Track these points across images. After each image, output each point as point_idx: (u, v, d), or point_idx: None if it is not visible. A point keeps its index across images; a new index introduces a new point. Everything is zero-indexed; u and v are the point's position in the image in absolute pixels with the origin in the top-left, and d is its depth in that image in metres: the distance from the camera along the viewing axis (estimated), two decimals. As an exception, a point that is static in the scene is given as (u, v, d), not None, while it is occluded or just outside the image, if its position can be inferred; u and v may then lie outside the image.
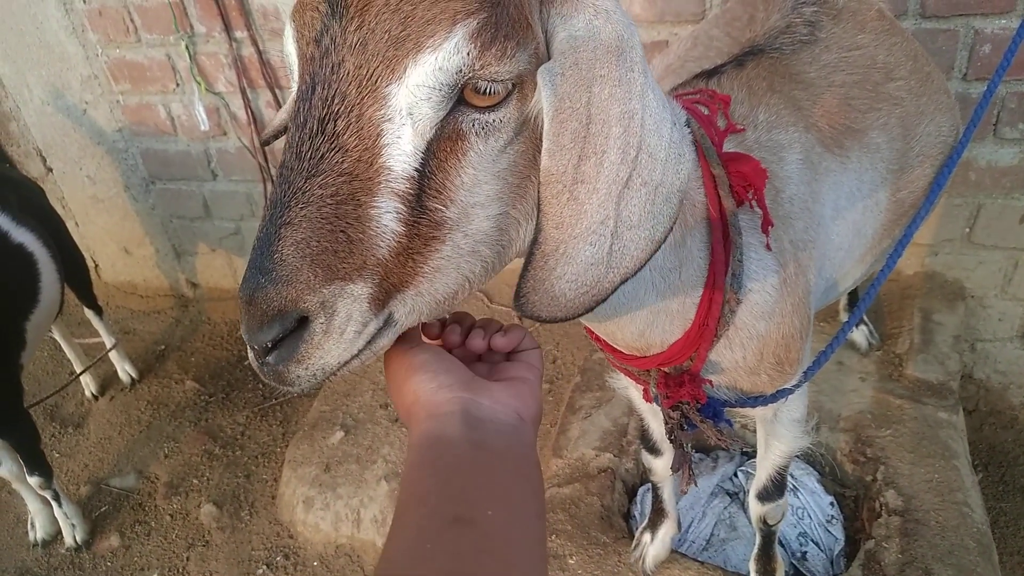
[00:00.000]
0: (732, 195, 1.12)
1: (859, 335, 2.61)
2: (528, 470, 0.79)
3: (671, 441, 1.33)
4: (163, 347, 3.89)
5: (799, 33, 1.48)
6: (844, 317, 2.67)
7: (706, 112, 1.23)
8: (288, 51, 0.83)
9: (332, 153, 0.75)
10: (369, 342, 0.81)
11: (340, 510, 2.69)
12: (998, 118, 2.42)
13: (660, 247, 0.83)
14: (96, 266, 4.15)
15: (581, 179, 0.79)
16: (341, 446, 2.86)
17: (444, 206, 0.79)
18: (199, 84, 3.17)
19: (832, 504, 2.24)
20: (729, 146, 1.21)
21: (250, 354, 0.80)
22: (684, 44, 1.74)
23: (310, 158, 0.75)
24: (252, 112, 3.17)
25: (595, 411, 2.56)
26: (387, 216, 0.77)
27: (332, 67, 0.75)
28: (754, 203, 1.15)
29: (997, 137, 2.45)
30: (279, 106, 3.13)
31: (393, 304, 0.81)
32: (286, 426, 3.32)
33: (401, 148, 0.76)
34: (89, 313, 3.45)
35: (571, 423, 2.54)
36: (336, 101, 0.75)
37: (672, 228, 0.83)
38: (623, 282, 0.81)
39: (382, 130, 0.76)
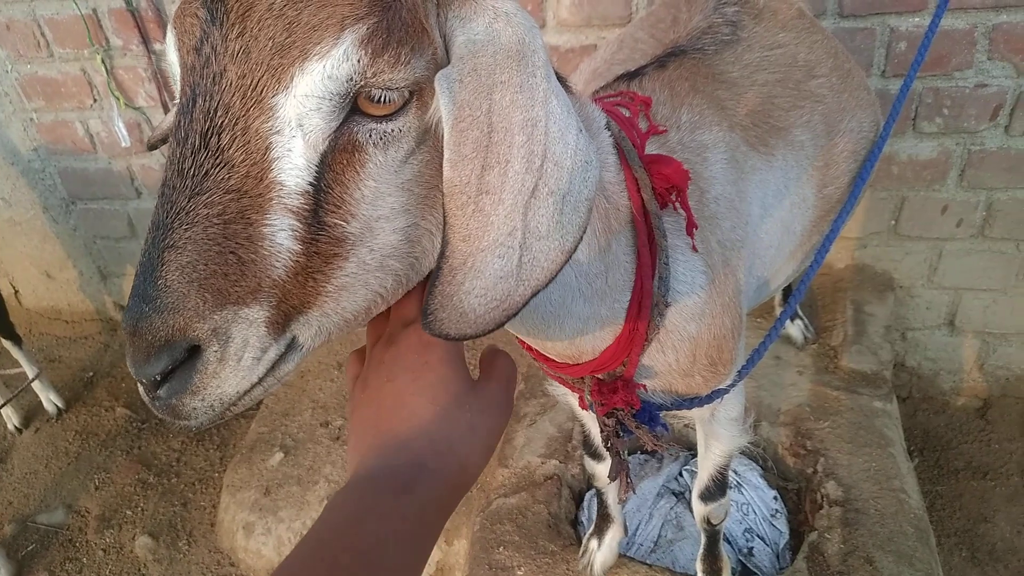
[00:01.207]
0: (655, 198, 1.11)
1: (795, 329, 2.65)
2: (433, 536, 0.78)
3: (607, 449, 1.31)
4: (91, 374, 3.73)
5: (721, 33, 1.49)
6: (779, 312, 2.71)
7: (627, 114, 1.22)
8: (171, 60, 0.78)
9: (217, 169, 0.70)
10: (271, 368, 0.76)
11: (282, 534, 2.61)
12: (916, 113, 2.49)
13: (570, 257, 0.80)
14: (16, 292, 3.96)
15: (486, 190, 0.75)
16: (281, 468, 2.77)
17: (345, 221, 0.75)
18: (118, 99, 3.05)
19: (776, 498, 2.26)
20: (652, 148, 1.20)
21: (140, 389, 0.75)
22: (610, 47, 1.73)
23: (193, 175, 0.70)
24: (175, 126, 3.05)
25: (540, 418, 2.54)
26: (281, 234, 0.72)
27: (213, 77, 0.70)
28: (678, 205, 1.14)
29: (916, 132, 2.52)
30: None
31: (296, 327, 0.77)
32: (223, 450, 3.21)
33: (293, 162, 0.72)
34: (7, 344, 3.28)
35: (516, 431, 2.51)
36: (219, 113, 0.70)
37: (582, 237, 0.80)
38: (534, 295, 0.78)
39: (271, 143, 0.71)
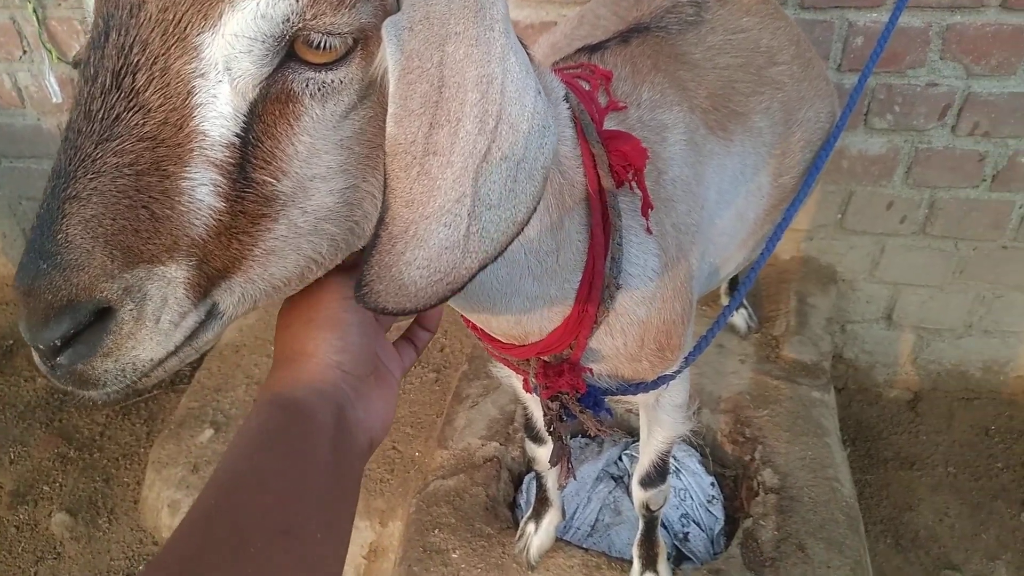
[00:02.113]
0: (612, 175, 1.06)
1: (739, 318, 2.67)
2: (354, 499, 0.76)
3: (550, 433, 1.28)
4: (11, 342, 3.53)
5: (685, 13, 1.45)
6: (725, 301, 2.72)
7: (587, 87, 1.17)
8: None
9: (130, 113, 0.62)
10: (189, 337, 0.69)
11: (211, 512, 2.51)
12: (868, 109, 2.51)
13: (521, 230, 0.74)
14: (-69, 252, 3.72)
15: (433, 150, 0.69)
16: (211, 445, 2.67)
17: (275, 179, 0.68)
18: (50, 52, 2.86)
19: (713, 484, 2.28)
20: (610, 124, 1.16)
21: (35, 357, 0.67)
22: (570, 23, 1.68)
23: (102, 119, 0.62)
24: (108, 81, 2.89)
25: (482, 399, 2.50)
26: (202, 189, 0.65)
27: (130, 9, 0.62)
28: (634, 184, 1.10)
29: (867, 127, 2.55)
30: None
31: (217, 293, 0.70)
32: (151, 425, 3.08)
33: (218, 109, 0.65)
34: (-81, 306, 3.09)
35: (457, 412, 2.46)
36: (135, 51, 0.62)
37: (535, 209, 0.75)
38: (481, 268, 0.72)
39: (193, 87, 0.64)
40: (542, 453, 1.81)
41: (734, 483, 2.31)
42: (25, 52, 2.92)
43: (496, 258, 0.74)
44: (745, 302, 2.70)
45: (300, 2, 0.63)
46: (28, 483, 2.87)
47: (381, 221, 0.71)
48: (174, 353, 0.70)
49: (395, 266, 0.70)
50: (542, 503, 1.92)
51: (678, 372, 1.35)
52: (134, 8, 0.62)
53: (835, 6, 2.34)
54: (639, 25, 1.42)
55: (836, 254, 2.85)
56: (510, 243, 0.74)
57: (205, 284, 0.68)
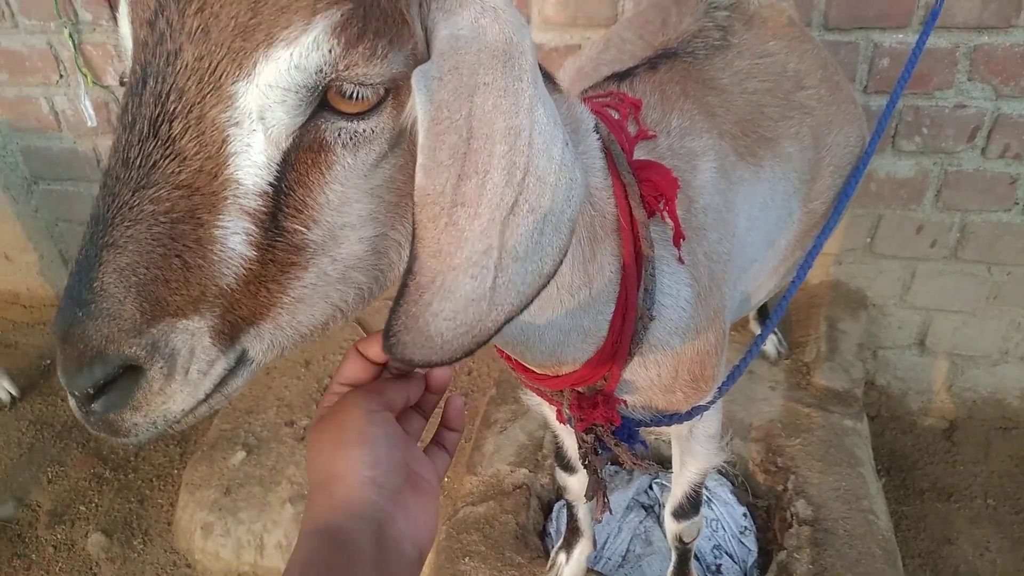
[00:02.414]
0: (643, 206, 1.06)
1: (769, 344, 2.64)
2: None
3: (584, 467, 1.27)
4: (48, 361, 3.60)
5: (712, 38, 1.45)
6: (754, 326, 2.69)
7: (616, 116, 1.18)
8: (123, 32, 0.70)
9: (167, 161, 0.63)
10: (219, 384, 0.70)
11: (242, 536, 2.53)
12: (896, 131, 2.49)
13: (548, 282, 0.74)
14: (-29, 274, 3.82)
15: (461, 201, 0.69)
16: (243, 467, 2.69)
17: (306, 227, 0.69)
18: (85, 76, 2.94)
19: (745, 515, 2.24)
20: (641, 153, 1.16)
21: (71, 402, 0.68)
22: (596, 47, 1.69)
23: (140, 166, 0.64)
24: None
25: (511, 424, 2.49)
26: (234, 238, 0.66)
27: (167, 57, 0.63)
28: (666, 215, 1.10)
29: (895, 150, 2.52)
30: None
31: (246, 340, 0.70)
32: (184, 446, 3.11)
33: (252, 158, 0.65)
34: (-40, 327, 3.16)
35: (486, 438, 2.46)
36: (172, 99, 0.63)
37: (562, 261, 0.75)
38: (507, 321, 0.72)
39: (228, 136, 0.64)
40: (573, 482, 1.79)
41: (767, 514, 2.27)
42: (61, 76, 3.01)
43: (523, 310, 0.73)
44: (775, 328, 2.67)
45: (333, 53, 0.63)
46: (65, 503, 2.91)
47: (409, 271, 0.71)
48: (204, 401, 0.70)
49: (422, 317, 0.70)
50: (573, 533, 1.91)
51: (712, 402, 1.34)
52: (171, 56, 0.63)
53: (860, 27, 2.33)
54: (667, 51, 1.43)
55: (866, 278, 2.81)
56: (537, 295, 0.74)
57: (231, 331, 0.69)
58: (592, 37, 2.44)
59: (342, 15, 0.63)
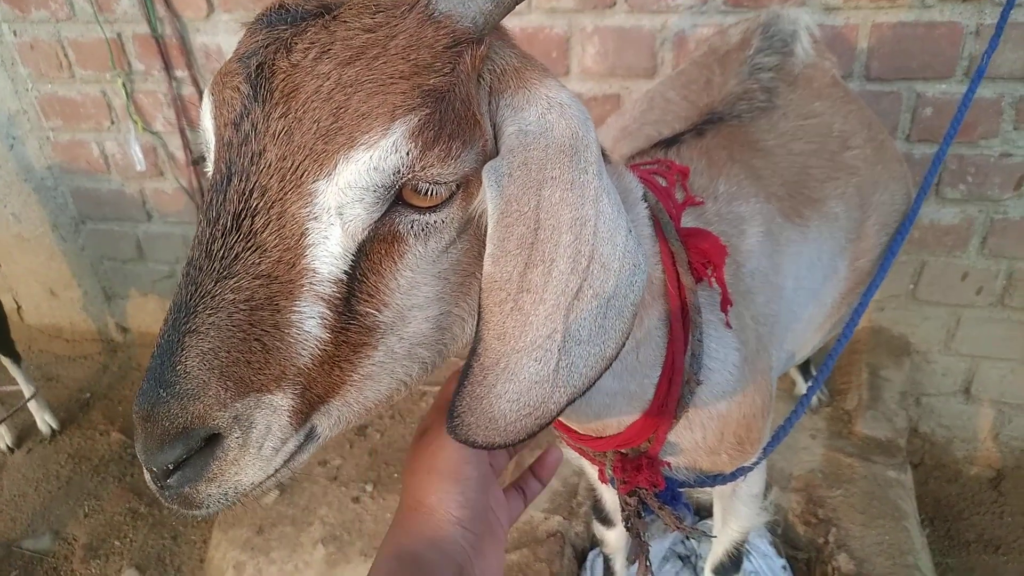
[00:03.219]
0: (691, 272, 1.07)
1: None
2: None
3: (627, 529, 1.26)
4: (88, 395, 3.67)
5: (757, 99, 1.46)
6: (795, 376, 2.66)
7: (664, 184, 1.19)
8: (205, 127, 0.74)
9: (248, 253, 0.66)
10: (287, 460, 0.72)
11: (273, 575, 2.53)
12: (940, 179, 2.47)
13: (611, 364, 0.75)
14: (19, 308, 3.92)
15: (527, 288, 0.71)
16: (275, 506, 2.71)
17: (377, 310, 0.72)
18: (136, 122, 3.04)
19: (785, 568, 2.19)
20: (688, 219, 1.17)
21: (147, 476, 0.70)
22: (639, 105, 1.71)
23: (222, 257, 0.67)
24: (191, 152, 3.04)
25: (545, 470, 2.47)
26: (310, 322, 0.68)
27: (252, 156, 0.67)
28: (713, 281, 1.10)
29: (939, 197, 2.50)
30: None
31: (316, 416, 0.72)
32: (219, 482, 3.14)
33: (328, 250, 0.68)
34: (6, 361, 3.23)
35: (520, 483, 2.44)
36: (255, 195, 0.67)
37: (624, 344, 0.76)
38: (569, 403, 0.73)
39: (307, 229, 0.67)
40: (611, 536, 1.78)
41: (807, 567, 2.22)
42: (113, 123, 3.11)
43: (585, 392, 0.74)
44: (815, 374, 2.64)
45: (411, 155, 0.66)
46: (100, 537, 2.95)
47: (474, 352, 0.73)
48: (272, 476, 0.72)
49: (486, 398, 0.72)
50: (609, 585, 1.89)
51: (756, 464, 1.32)
52: (255, 156, 0.67)
53: (903, 78, 2.33)
54: (713, 114, 1.44)
55: (909, 325, 2.77)
56: (599, 377, 0.75)
57: (306, 410, 0.71)
58: (630, 87, 2.47)
59: (419, 120, 0.66)
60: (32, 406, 3.36)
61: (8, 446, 3.35)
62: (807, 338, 1.53)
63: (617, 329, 0.74)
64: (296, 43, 0.68)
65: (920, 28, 2.23)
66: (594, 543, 2.29)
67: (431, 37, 0.68)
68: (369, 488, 2.73)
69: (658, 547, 2.23)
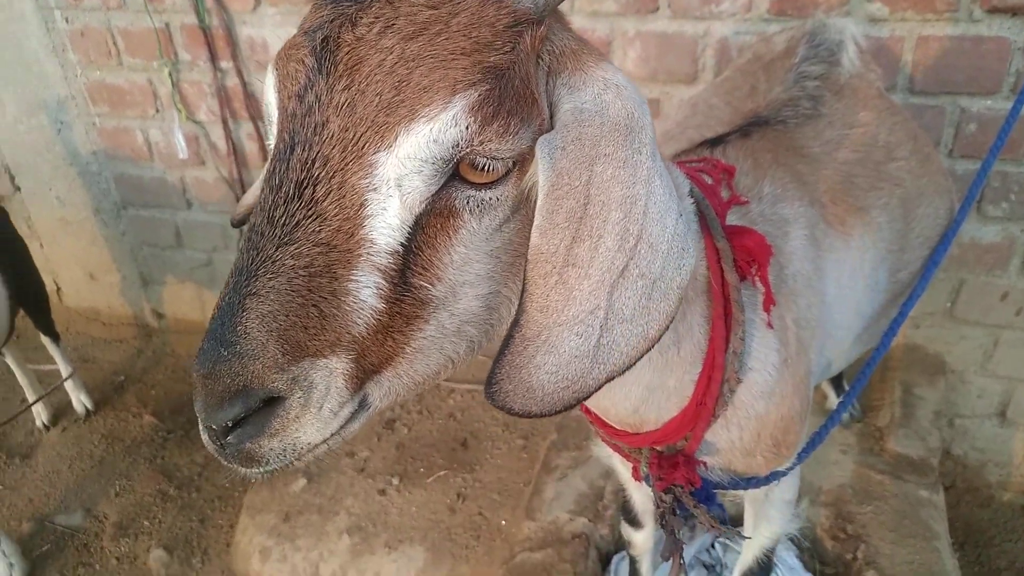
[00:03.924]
0: (735, 270, 1.07)
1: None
2: None
3: (662, 527, 1.26)
4: (122, 378, 3.74)
5: (803, 107, 1.46)
6: (827, 391, 2.64)
7: (710, 181, 1.19)
8: (268, 101, 0.76)
9: (308, 221, 0.69)
10: (343, 425, 0.74)
11: (298, 563, 2.56)
12: (982, 196, 2.44)
13: (653, 346, 0.76)
14: (59, 290, 4.01)
15: (573, 262, 0.72)
16: (303, 495, 2.74)
17: (431, 284, 0.73)
18: (180, 111, 3.10)
19: (810, 581, 2.18)
20: (733, 218, 1.18)
21: (204, 435, 0.72)
22: (683, 111, 1.71)
23: (283, 224, 0.69)
24: (233, 142, 3.10)
25: (571, 472, 2.48)
26: (366, 291, 0.70)
27: (315, 127, 0.69)
28: (757, 279, 1.11)
29: (981, 215, 2.47)
30: (260, 138, 3.06)
31: (369, 386, 0.74)
32: (246, 469, 3.18)
33: (386, 221, 0.70)
34: (45, 340, 3.31)
35: (546, 483, 2.45)
36: (317, 165, 0.69)
37: (668, 327, 0.76)
38: (608, 380, 0.74)
39: (366, 200, 0.69)
40: (639, 538, 1.78)
41: (833, 581, 2.20)
42: (157, 111, 3.18)
43: (624, 371, 0.75)
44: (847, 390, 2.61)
45: (469, 130, 0.68)
46: (130, 516, 3.00)
47: (516, 323, 0.74)
48: (329, 438, 0.74)
49: (525, 368, 0.73)
50: (634, 587, 1.88)
51: (791, 468, 1.32)
52: (318, 127, 0.69)
53: (947, 92, 2.31)
54: (758, 117, 1.44)
55: (945, 343, 2.73)
56: (640, 357, 0.75)
57: (361, 377, 0.73)
58: (671, 92, 2.47)
59: (479, 95, 0.67)
60: (68, 386, 3.43)
61: (44, 424, 3.43)
62: (845, 347, 1.52)
63: (661, 311, 0.75)
64: (361, 17, 0.70)
65: (967, 42, 2.20)
66: (619, 547, 2.29)
67: (492, 16, 0.70)
68: (395, 481, 2.75)
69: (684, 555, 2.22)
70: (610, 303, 0.73)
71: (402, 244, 0.71)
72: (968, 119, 2.33)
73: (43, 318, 3.22)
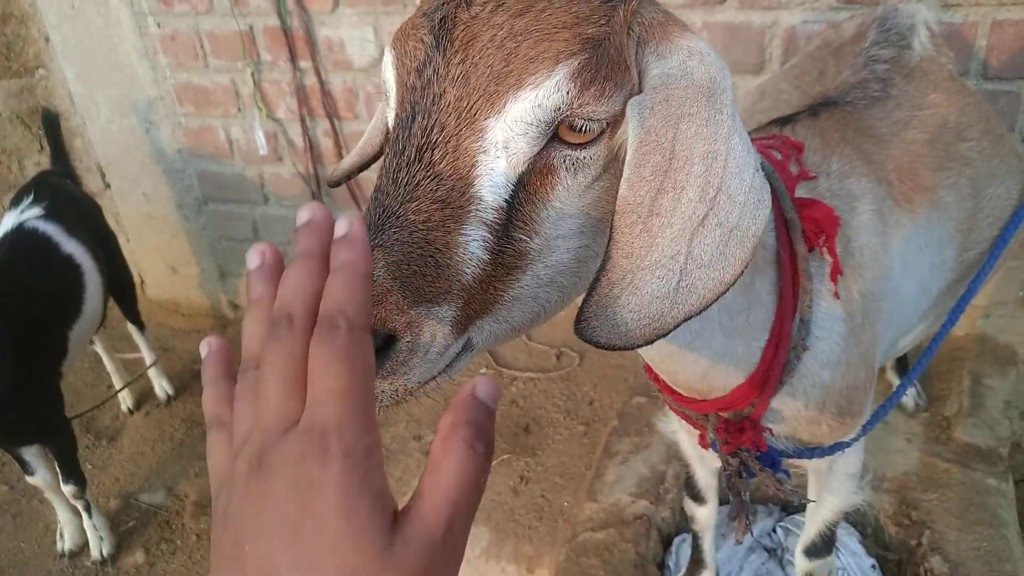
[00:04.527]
0: (804, 240, 1.12)
1: (907, 395, 2.56)
2: None
3: (729, 488, 1.31)
4: (200, 366, 3.91)
5: (871, 89, 1.49)
6: (891, 376, 2.63)
7: (779, 157, 1.24)
8: (387, 77, 0.85)
9: (427, 181, 0.76)
10: (449, 365, 0.81)
11: (368, 540, 2.67)
12: (1057, 184, 2.39)
13: (728, 289, 0.81)
14: (142, 282, 4.23)
15: (657, 212, 0.79)
16: (373, 475, 2.85)
17: (529, 237, 0.80)
18: (261, 110, 3.26)
19: (874, 567, 2.18)
20: (801, 192, 1.22)
21: None
22: (751, 97, 1.76)
23: (406, 184, 0.77)
24: (310, 139, 3.24)
25: (632, 456, 2.53)
26: (474, 244, 0.78)
27: (433, 98, 0.77)
28: (824, 250, 1.15)
29: (1055, 203, 2.42)
30: (336, 135, 3.20)
31: (472, 330, 0.82)
32: (318, 451, 3.31)
33: (493, 180, 0.77)
34: (131, 328, 3.51)
35: (607, 467, 2.51)
36: (435, 131, 0.77)
37: (742, 273, 0.82)
38: (686, 319, 0.80)
39: (477, 161, 0.77)
40: (702, 513, 1.82)
41: (897, 568, 2.19)
42: (239, 110, 3.35)
43: (700, 312, 0.81)
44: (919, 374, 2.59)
45: (570, 94, 0.75)
46: (208, 496, 3.09)
47: (602, 268, 0.81)
48: (434, 378, 0.81)
49: (611, 307, 0.80)
50: (697, 564, 1.93)
51: (854, 440, 1.35)
52: (436, 98, 0.77)
53: (1022, 77, 2.28)
54: (826, 99, 1.48)
55: (1017, 334, 2.68)
56: (716, 300, 0.81)
57: (465, 322, 0.80)
58: (737, 83, 2.50)
59: (579, 63, 0.75)
60: (151, 373, 3.63)
61: (129, 408, 3.64)
62: (912, 325, 1.54)
63: (737, 257, 0.81)
64: None
65: (1043, 27, 2.18)
66: (680, 529, 2.33)
67: None
68: (460, 463, 2.84)
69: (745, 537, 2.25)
70: (690, 249, 0.79)
71: (506, 200, 0.78)
72: (1043, 105, 2.30)
73: (131, 307, 3.42)
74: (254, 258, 0.65)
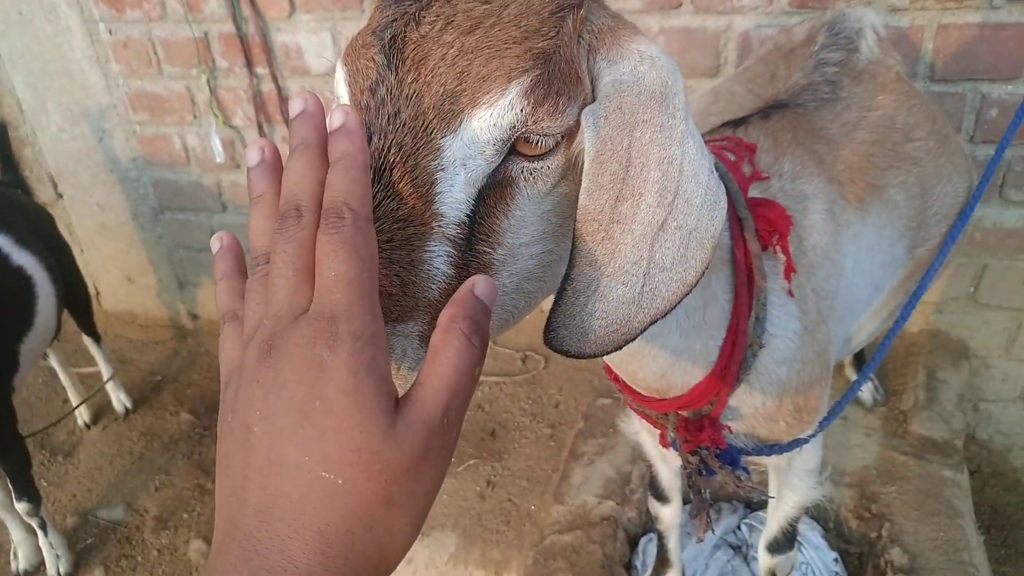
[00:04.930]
0: (758, 239, 1.14)
1: (864, 391, 2.61)
2: None
3: (689, 486, 1.32)
4: (159, 378, 3.86)
5: (822, 91, 1.52)
6: (849, 372, 2.68)
7: (732, 158, 1.26)
8: (340, 94, 0.84)
9: (388, 200, 0.76)
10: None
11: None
12: (1004, 180, 2.47)
13: (690, 291, 0.83)
14: (97, 294, 4.14)
15: (617, 219, 0.79)
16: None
17: (492, 248, 0.80)
18: (217, 117, 3.22)
19: (836, 560, 2.21)
20: (754, 193, 1.24)
21: None
22: (705, 99, 1.78)
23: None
24: (267, 147, 3.20)
25: (598, 458, 2.54)
26: (439, 260, 0.77)
27: (388, 117, 0.76)
28: (778, 249, 1.17)
29: (1003, 199, 2.50)
30: (294, 142, 3.16)
31: None
32: (282, 462, 3.27)
33: (454, 196, 0.77)
34: (87, 340, 3.43)
35: (573, 469, 2.51)
36: (392, 151, 0.76)
37: (703, 274, 0.83)
38: (652, 323, 0.81)
39: (436, 179, 0.76)
40: (666, 512, 1.83)
41: (859, 561, 2.23)
42: (195, 117, 3.29)
43: (666, 315, 0.82)
44: (871, 374, 2.65)
45: (524, 112, 0.75)
46: (170, 510, 3.10)
47: (567, 277, 0.81)
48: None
49: (578, 316, 0.80)
50: (662, 563, 1.94)
51: (812, 436, 1.37)
52: (391, 117, 0.76)
53: (967, 78, 2.34)
54: (778, 102, 1.50)
55: (968, 328, 2.76)
56: (680, 301, 0.82)
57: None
58: (693, 86, 2.53)
59: (531, 80, 0.75)
60: (109, 386, 3.55)
61: (86, 423, 3.55)
62: (864, 322, 1.57)
63: (698, 259, 0.82)
64: (423, 16, 0.77)
65: (987, 29, 2.24)
66: (646, 529, 2.35)
67: (538, 4, 0.78)
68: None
69: (709, 535, 2.27)
70: (652, 254, 0.80)
71: (467, 215, 0.78)
72: (989, 105, 2.37)
73: (86, 319, 3.34)
74: (254, 154, 0.68)
